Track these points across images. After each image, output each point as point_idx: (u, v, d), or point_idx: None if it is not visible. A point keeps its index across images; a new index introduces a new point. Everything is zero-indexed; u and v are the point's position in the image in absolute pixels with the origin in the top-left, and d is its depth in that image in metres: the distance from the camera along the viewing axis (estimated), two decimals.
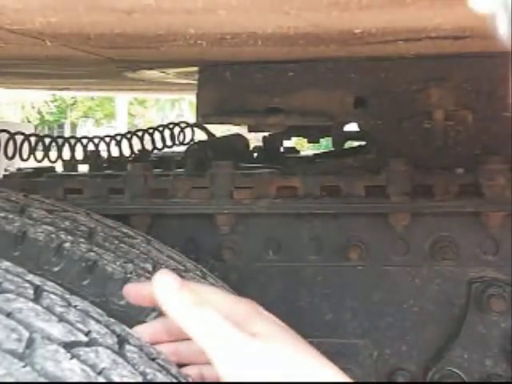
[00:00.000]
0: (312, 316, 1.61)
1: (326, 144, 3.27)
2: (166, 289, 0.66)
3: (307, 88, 1.77)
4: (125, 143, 2.55)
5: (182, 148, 2.54)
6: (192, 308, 0.65)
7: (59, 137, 2.50)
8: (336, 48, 1.42)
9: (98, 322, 0.70)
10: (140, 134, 2.63)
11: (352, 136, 2.18)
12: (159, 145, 2.69)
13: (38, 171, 1.86)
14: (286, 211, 1.61)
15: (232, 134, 2.62)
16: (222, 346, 0.64)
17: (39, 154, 2.32)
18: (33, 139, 2.30)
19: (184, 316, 0.65)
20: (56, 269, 0.98)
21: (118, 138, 2.56)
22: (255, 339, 0.64)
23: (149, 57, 1.64)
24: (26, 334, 0.62)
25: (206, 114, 1.88)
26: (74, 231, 1.06)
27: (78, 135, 2.64)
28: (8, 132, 2.19)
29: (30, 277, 0.73)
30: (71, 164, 2.13)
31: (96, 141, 2.51)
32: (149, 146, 2.62)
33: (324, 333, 1.60)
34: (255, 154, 2.40)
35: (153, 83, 2.66)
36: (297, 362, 0.64)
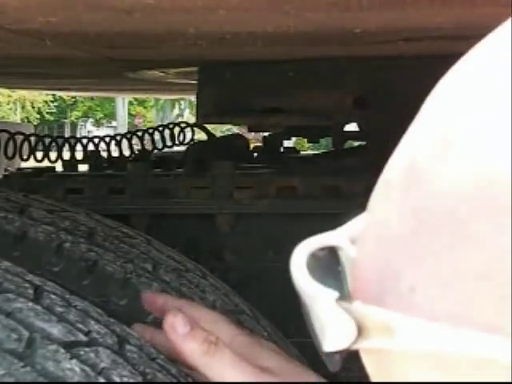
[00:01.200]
0: None
1: (325, 144, 3.28)
2: (177, 333, 0.65)
3: (307, 88, 1.77)
4: (125, 143, 2.55)
5: (182, 148, 2.55)
6: (206, 352, 0.64)
7: (59, 137, 2.50)
8: (336, 48, 1.42)
9: (97, 322, 0.70)
10: (140, 134, 2.63)
11: (352, 136, 2.18)
12: (159, 145, 2.69)
13: (37, 171, 1.85)
14: (285, 211, 1.60)
15: (232, 134, 2.62)
16: None
17: (39, 154, 2.32)
18: (33, 139, 2.30)
19: (199, 359, 0.64)
20: (56, 269, 0.97)
21: (118, 138, 2.56)
22: (272, 377, 0.65)
23: (149, 57, 1.64)
24: (25, 334, 0.62)
25: (206, 114, 1.88)
26: (74, 231, 1.05)
27: (78, 135, 2.65)
28: (8, 132, 2.19)
29: (30, 277, 0.73)
30: (71, 164, 2.12)
31: (96, 141, 2.51)
32: (149, 146, 2.62)
33: None
34: (255, 154, 2.40)
35: (153, 83, 2.66)
36: None
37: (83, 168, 2.16)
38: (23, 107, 22.30)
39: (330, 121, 1.79)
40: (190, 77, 2.22)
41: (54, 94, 17.98)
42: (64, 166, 2.12)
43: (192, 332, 0.64)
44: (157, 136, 2.71)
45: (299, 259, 0.36)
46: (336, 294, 0.33)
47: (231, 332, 0.70)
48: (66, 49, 1.36)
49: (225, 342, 0.66)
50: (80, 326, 0.67)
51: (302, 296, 0.35)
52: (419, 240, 0.30)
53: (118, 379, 0.63)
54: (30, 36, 1.18)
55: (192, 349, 0.64)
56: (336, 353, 0.33)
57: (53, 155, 2.32)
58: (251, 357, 0.67)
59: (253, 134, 2.38)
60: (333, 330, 0.33)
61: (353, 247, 0.35)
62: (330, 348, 0.33)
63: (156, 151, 2.62)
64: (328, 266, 0.36)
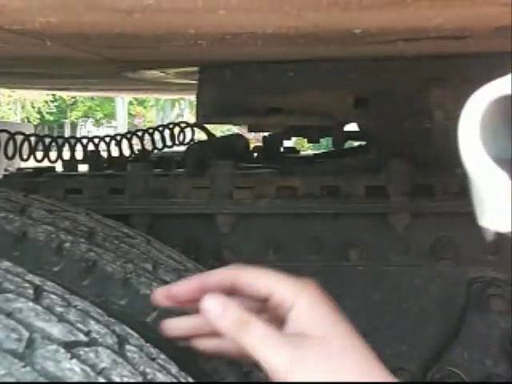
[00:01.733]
0: None
1: (325, 144, 3.28)
2: (211, 314, 0.72)
3: (307, 88, 1.77)
4: (125, 143, 2.55)
5: (182, 148, 2.54)
6: (238, 330, 0.71)
7: (59, 137, 2.50)
8: (336, 48, 1.42)
9: (98, 321, 0.70)
10: (140, 134, 2.63)
11: (352, 136, 2.18)
12: (159, 145, 2.69)
13: (37, 171, 1.85)
14: (285, 211, 1.60)
15: (232, 134, 2.62)
16: (274, 358, 0.69)
17: (39, 154, 2.32)
18: (33, 139, 2.30)
19: (234, 336, 0.71)
20: (56, 269, 0.97)
21: (118, 137, 2.56)
22: (304, 346, 0.70)
23: (149, 57, 1.64)
24: (26, 334, 0.62)
25: (205, 114, 1.88)
26: (74, 231, 1.05)
27: (78, 135, 2.65)
28: (8, 132, 2.19)
29: (30, 277, 0.73)
30: (71, 164, 2.12)
31: (96, 141, 2.51)
32: (149, 146, 2.62)
33: None
34: (255, 154, 2.39)
35: (153, 83, 2.66)
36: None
37: (83, 168, 2.16)
38: (23, 107, 22.30)
39: (330, 121, 1.79)
40: (190, 77, 2.22)
41: (54, 94, 17.98)
42: (64, 166, 2.12)
43: (224, 312, 0.71)
44: (157, 136, 2.71)
45: (472, 121, 0.33)
46: (507, 177, 0.32)
47: (292, 291, 0.75)
48: (66, 49, 1.36)
49: (287, 305, 0.73)
50: (80, 325, 0.67)
51: (467, 164, 0.33)
52: None
53: (118, 379, 0.63)
54: (31, 36, 1.18)
55: (226, 327, 0.71)
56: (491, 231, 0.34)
57: (53, 155, 2.32)
58: (305, 325, 0.72)
59: (253, 134, 2.38)
60: (495, 213, 0.32)
61: None
62: (486, 225, 0.33)
63: (156, 151, 2.62)
64: (500, 118, 0.33)
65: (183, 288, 0.78)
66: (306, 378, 0.67)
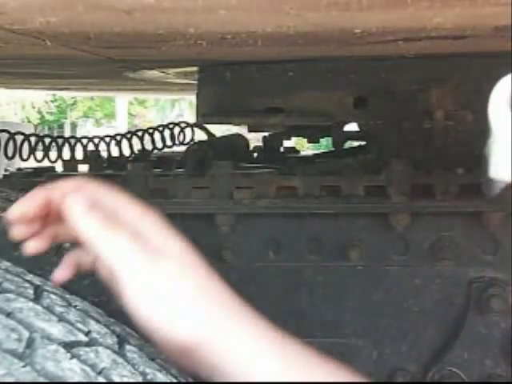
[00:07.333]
0: (312, 316, 1.61)
1: (326, 144, 3.28)
2: (77, 210, 0.67)
3: (307, 88, 1.77)
4: (125, 143, 2.55)
5: (182, 148, 2.54)
6: (101, 231, 0.67)
7: (59, 137, 2.50)
8: (336, 48, 1.42)
9: (98, 321, 0.70)
10: (140, 133, 2.63)
11: (352, 136, 2.18)
12: (159, 145, 2.69)
13: (37, 171, 1.85)
14: (285, 211, 1.60)
15: (232, 134, 2.62)
16: (129, 267, 0.68)
17: (39, 154, 2.32)
18: (33, 139, 2.30)
19: (97, 233, 0.68)
20: (56, 269, 0.97)
21: (118, 137, 2.56)
22: (162, 258, 0.70)
23: (149, 57, 1.64)
24: (25, 334, 0.62)
25: (205, 114, 1.88)
26: None
27: (78, 135, 2.64)
28: (8, 132, 2.19)
29: (30, 277, 0.73)
30: (71, 164, 2.12)
31: (96, 141, 2.51)
32: (149, 146, 2.62)
33: (324, 333, 1.60)
34: (255, 154, 2.39)
35: (153, 83, 2.66)
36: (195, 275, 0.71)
37: (83, 168, 2.16)
38: (23, 107, 22.29)
39: (329, 121, 1.79)
40: (190, 77, 2.22)
41: (54, 94, 17.98)
42: (64, 166, 2.12)
43: (90, 211, 0.67)
44: (157, 136, 2.71)
45: (504, 91, 0.41)
46: None
47: (138, 212, 0.75)
48: (65, 49, 1.36)
49: (133, 222, 0.71)
50: (80, 326, 0.67)
51: (493, 124, 0.39)
52: None
53: (117, 379, 0.63)
54: (31, 36, 1.18)
55: (87, 229, 0.67)
56: (498, 182, 0.37)
57: (53, 155, 2.32)
58: (153, 235, 0.72)
59: (253, 133, 2.38)
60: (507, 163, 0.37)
61: None
62: (494, 175, 0.38)
63: (156, 151, 2.62)
64: None
65: (30, 204, 0.72)
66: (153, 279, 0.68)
